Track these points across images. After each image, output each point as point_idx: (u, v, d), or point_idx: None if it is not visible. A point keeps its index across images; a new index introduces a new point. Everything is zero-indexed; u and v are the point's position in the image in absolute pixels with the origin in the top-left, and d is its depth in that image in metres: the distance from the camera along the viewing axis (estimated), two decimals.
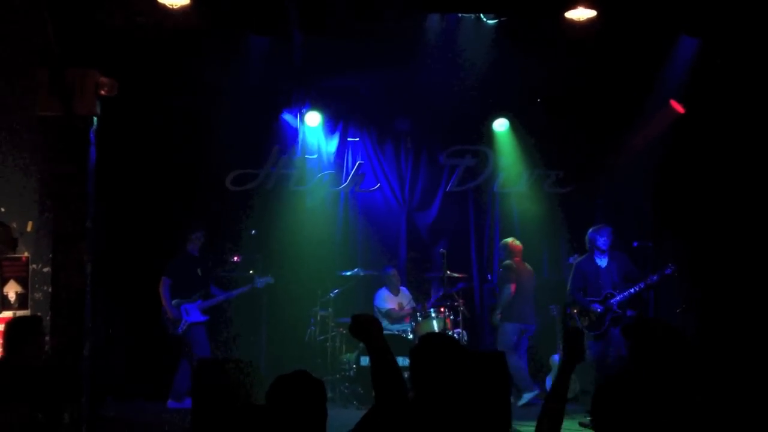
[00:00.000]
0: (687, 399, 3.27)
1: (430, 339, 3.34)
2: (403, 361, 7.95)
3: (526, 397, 8.48)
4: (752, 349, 7.58)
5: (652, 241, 8.44)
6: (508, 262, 8.89)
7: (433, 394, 3.13)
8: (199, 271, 8.43)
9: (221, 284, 8.79)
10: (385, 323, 8.91)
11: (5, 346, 4.98)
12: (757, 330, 7.75)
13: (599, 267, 7.97)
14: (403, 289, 9.32)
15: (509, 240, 9.04)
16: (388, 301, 9.13)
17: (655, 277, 7.69)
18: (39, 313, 7.01)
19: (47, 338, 5.35)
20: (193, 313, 8.27)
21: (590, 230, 8.08)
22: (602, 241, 7.92)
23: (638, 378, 3.22)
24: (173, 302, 8.29)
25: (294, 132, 9.75)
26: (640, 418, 2.98)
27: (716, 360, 7.58)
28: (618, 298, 7.78)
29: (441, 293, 8.90)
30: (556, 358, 8.81)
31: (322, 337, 8.86)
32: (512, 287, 8.67)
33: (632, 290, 7.77)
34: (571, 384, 8.87)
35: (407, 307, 9.05)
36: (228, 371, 6.45)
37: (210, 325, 8.52)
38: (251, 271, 8.73)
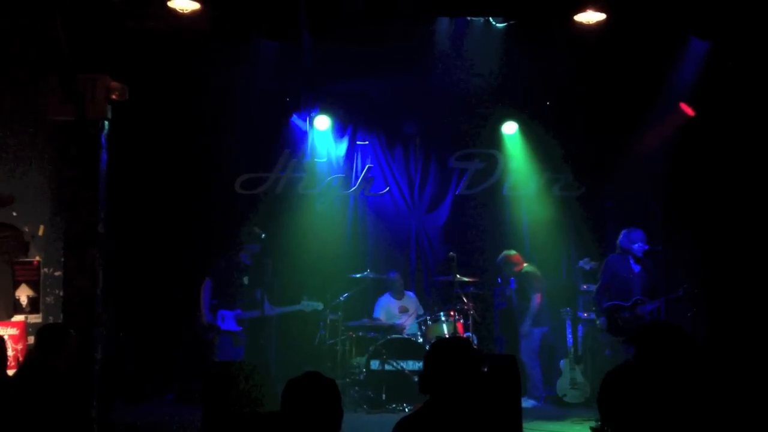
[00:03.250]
0: (694, 398, 3.28)
1: (443, 343, 3.38)
2: (413, 365, 8.08)
3: (531, 403, 8.52)
4: (763, 353, 7.54)
5: (661, 245, 8.41)
6: (530, 269, 8.94)
7: (446, 397, 3.15)
8: (245, 279, 8.23)
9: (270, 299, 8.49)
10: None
11: (36, 349, 5.04)
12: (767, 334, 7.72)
13: (632, 270, 7.85)
14: (408, 293, 9.28)
15: (507, 253, 9.06)
16: (383, 309, 9.10)
17: (680, 292, 7.50)
18: (51, 318, 7.07)
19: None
20: (228, 322, 8.11)
21: (623, 233, 7.91)
22: (637, 247, 7.77)
23: (643, 374, 3.23)
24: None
25: (303, 135, 9.77)
26: (646, 411, 2.99)
27: (727, 364, 7.55)
28: (648, 307, 7.65)
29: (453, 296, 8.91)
30: (563, 363, 8.79)
31: (331, 341, 8.85)
32: (539, 296, 8.76)
33: (664, 299, 7.65)
34: (582, 388, 8.95)
35: (411, 311, 9.01)
36: (238, 375, 6.46)
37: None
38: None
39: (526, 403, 8.33)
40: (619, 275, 7.87)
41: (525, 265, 9.03)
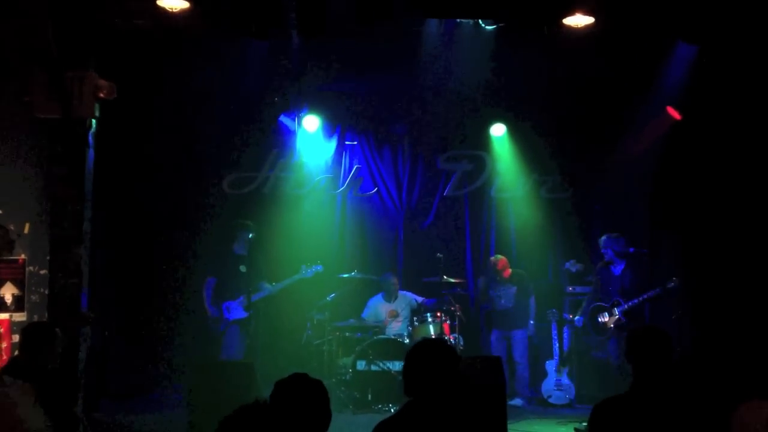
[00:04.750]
0: (681, 408, 3.32)
1: (422, 345, 3.38)
2: (399, 366, 8.07)
3: (519, 401, 8.67)
4: (748, 355, 7.59)
5: (648, 248, 8.50)
6: (520, 271, 9.15)
7: (426, 399, 3.16)
8: (242, 268, 8.34)
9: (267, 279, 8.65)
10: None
11: (22, 348, 5.01)
12: (752, 335, 7.77)
13: (612, 274, 8.17)
14: (403, 293, 9.20)
15: (495, 259, 9.15)
16: (372, 310, 9.08)
17: (658, 290, 7.81)
18: (36, 317, 7.03)
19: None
20: (234, 311, 8.25)
21: (602, 239, 8.27)
22: (604, 252, 8.16)
23: (633, 398, 3.29)
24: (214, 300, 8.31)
25: (292, 135, 9.76)
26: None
27: (711, 366, 7.60)
28: (623, 306, 7.95)
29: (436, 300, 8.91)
30: (548, 364, 8.83)
31: (318, 341, 8.84)
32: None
33: (635, 300, 7.90)
34: (567, 389, 9.02)
35: (400, 316, 8.97)
36: (224, 374, 6.45)
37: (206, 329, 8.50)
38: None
39: (515, 401, 8.51)
40: (599, 281, 8.27)
41: (511, 269, 9.11)
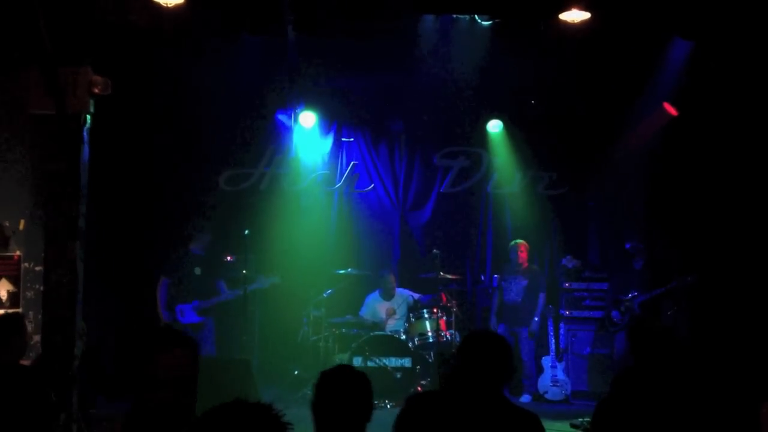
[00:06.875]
0: (681, 393, 3.40)
1: (476, 337, 3.39)
2: (395, 362, 8.08)
3: (527, 398, 8.79)
4: (743, 349, 7.60)
5: (644, 243, 8.53)
6: (538, 268, 9.22)
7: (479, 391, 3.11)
8: (197, 270, 8.32)
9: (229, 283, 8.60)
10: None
11: None
12: (748, 329, 7.77)
13: (634, 269, 8.51)
14: (400, 291, 9.16)
15: (519, 242, 9.07)
16: (369, 308, 9.04)
17: (674, 283, 8.16)
18: (20, 311, 7.01)
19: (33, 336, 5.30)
20: (187, 315, 8.19)
21: None
22: (627, 246, 8.55)
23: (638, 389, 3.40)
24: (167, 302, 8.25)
25: (288, 132, 9.74)
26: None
27: (707, 359, 7.62)
28: (639, 299, 8.30)
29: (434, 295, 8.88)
30: (544, 360, 8.82)
31: (314, 338, 8.84)
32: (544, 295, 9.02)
33: (652, 293, 8.26)
34: (563, 385, 9.02)
35: (398, 314, 8.94)
36: (221, 370, 6.44)
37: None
38: (244, 271, 8.67)
39: (523, 398, 8.69)
40: (622, 276, 8.65)
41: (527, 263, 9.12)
